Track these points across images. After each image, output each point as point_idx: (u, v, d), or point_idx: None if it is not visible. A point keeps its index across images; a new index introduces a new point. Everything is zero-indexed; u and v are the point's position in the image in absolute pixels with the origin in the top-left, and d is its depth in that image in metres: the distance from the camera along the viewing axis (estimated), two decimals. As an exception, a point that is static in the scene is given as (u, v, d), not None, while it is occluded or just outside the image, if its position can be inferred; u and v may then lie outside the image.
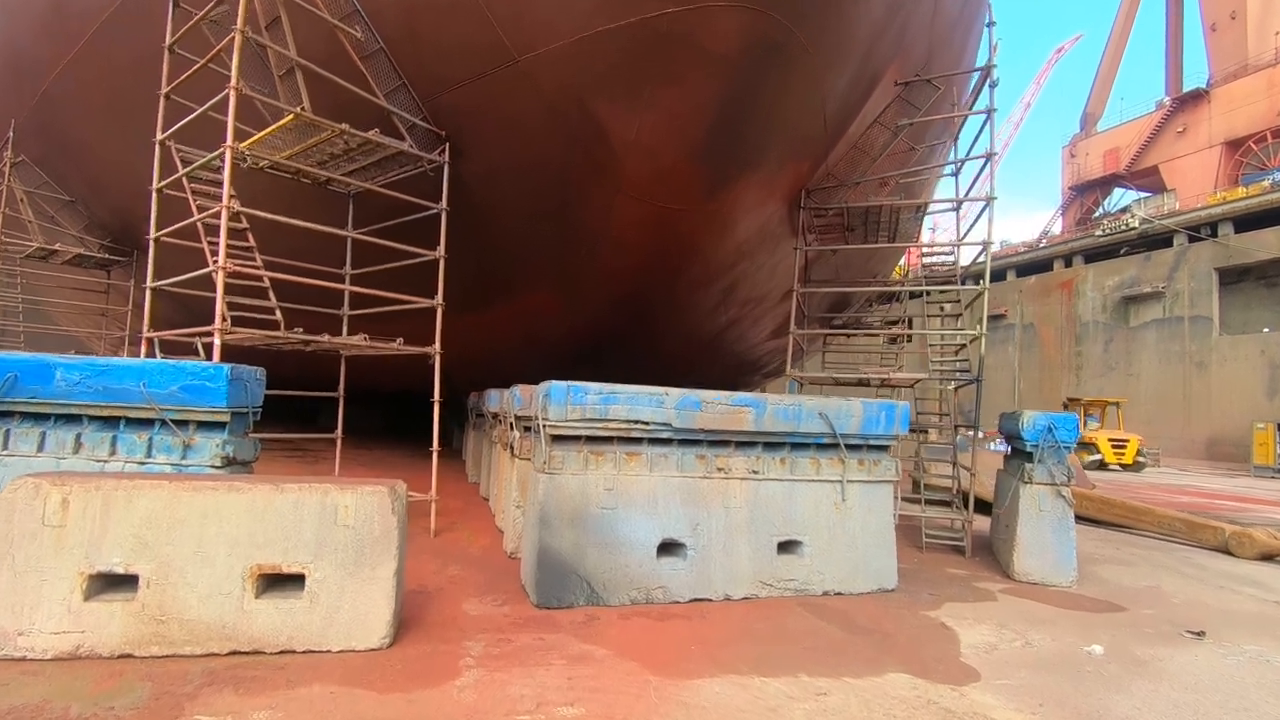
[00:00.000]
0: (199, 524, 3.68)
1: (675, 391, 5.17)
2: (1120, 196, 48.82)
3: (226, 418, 4.57)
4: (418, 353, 7.14)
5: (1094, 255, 36.89)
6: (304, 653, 3.68)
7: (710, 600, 5.12)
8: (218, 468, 4.53)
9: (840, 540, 5.57)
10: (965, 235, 8.42)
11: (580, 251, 8.30)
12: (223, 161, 5.81)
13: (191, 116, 6.47)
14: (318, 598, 3.76)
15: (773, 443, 5.49)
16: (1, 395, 4.47)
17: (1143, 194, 44.66)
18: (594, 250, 8.21)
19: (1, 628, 3.46)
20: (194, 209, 6.42)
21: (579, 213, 7.75)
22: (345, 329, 8.10)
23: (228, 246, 6.83)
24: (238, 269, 5.94)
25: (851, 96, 7.82)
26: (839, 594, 5.48)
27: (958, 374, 8.41)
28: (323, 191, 8.03)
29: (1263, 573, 7.20)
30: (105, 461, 4.56)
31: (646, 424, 5.07)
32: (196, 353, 6.56)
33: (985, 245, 7.55)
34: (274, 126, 6.33)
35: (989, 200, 7.49)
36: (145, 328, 7.10)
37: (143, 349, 7.08)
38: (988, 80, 7.74)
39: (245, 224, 6.95)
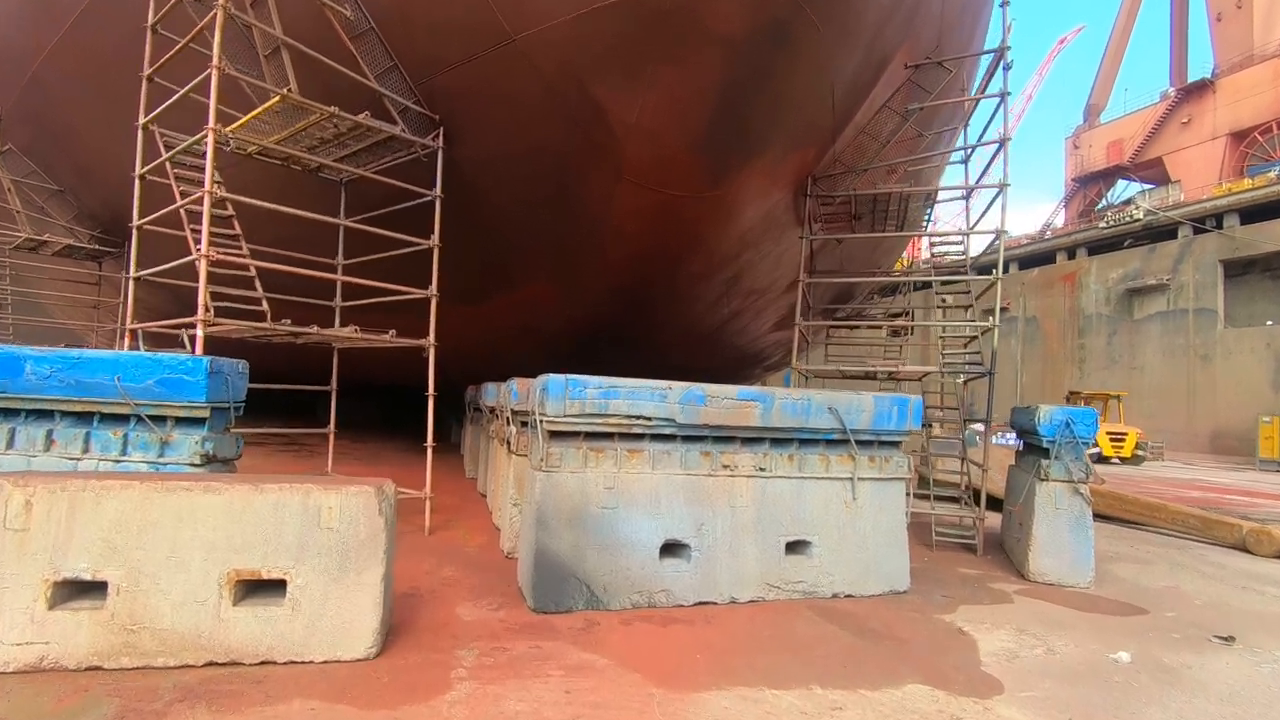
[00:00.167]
0: (172, 527, 3.45)
1: (679, 385, 4.93)
2: (1124, 188, 48.49)
3: (206, 413, 4.33)
4: (411, 345, 6.90)
5: (1097, 247, 36.55)
6: (285, 664, 3.46)
7: (715, 603, 4.90)
8: (197, 466, 4.29)
9: (850, 540, 5.34)
10: (976, 224, 8.16)
11: (580, 240, 8.04)
12: (205, 145, 5.54)
13: (174, 98, 6.21)
14: (300, 605, 3.54)
15: (780, 439, 5.26)
16: (-32, 389, 4.23)
17: (1146, 186, 44.37)
18: (594, 239, 7.95)
19: (-41, 639, 3.23)
20: (177, 195, 6.16)
21: (578, 200, 7.49)
22: (338, 321, 7.87)
23: (213, 234, 6.62)
24: (221, 258, 5.69)
25: (860, 79, 7.54)
26: (849, 596, 5.26)
27: (967, 367, 8.17)
28: (315, 181, 7.77)
29: (1283, 572, 6.99)
30: (78, 459, 4.33)
31: (649, 419, 4.84)
32: (183, 345, 6.33)
33: (999, 233, 7.29)
34: (260, 109, 6.07)
35: (1002, 187, 7.23)
36: (129, 319, 6.87)
37: (125, 341, 6.85)
38: (1001, 62, 7.47)
39: (230, 211, 6.71)
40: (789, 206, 8.84)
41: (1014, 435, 7.57)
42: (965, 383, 8.65)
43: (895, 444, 5.62)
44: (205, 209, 5.38)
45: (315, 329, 6.37)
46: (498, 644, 3.94)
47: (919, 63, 7.93)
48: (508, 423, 6.35)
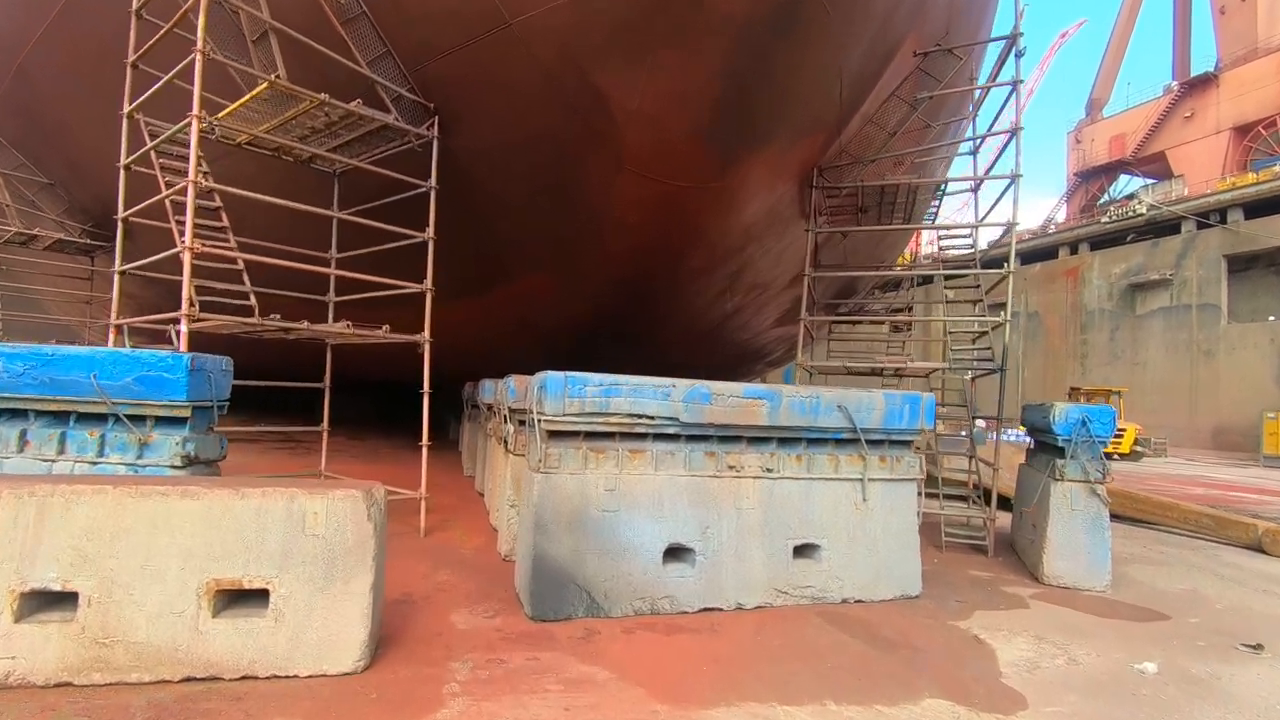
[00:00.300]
0: (147, 534, 3.25)
1: (683, 383, 4.73)
2: (1126, 183, 48.24)
3: (187, 412, 4.13)
4: (406, 341, 6.69)
5: (1100, 242, 36.36)
6: (267, 679, 3.26)
7: (721, 610, 4.70)
8: (178, 468, 4.09)
9: (861, 543, 5.15)
10: (986, 216, 7.94)
11: (579, 233, 7.82)
12: (189, 133, 5.33)
13: (159, 85, 5.99)
14: (283, 616, 3.34)
15: (788, 438, 5.06)
16: (-64, 388, 4.03)
17: (1148, 180, 44.09)
18: (593, 231, 7.73)
19: (-82, 654, 3.03)
20: (162, 186, 5.94)
21: (578, 191, 7.26)
22: (331, 315, 7.66)
23: (201, 227, 6.41)
24: (207, 250, 5.47)
25: (869, 66, 7.31)
26: (859, 601, 5.06)
27: (976, 363, 7.98)
28: (308, 175, 7.57)
29: (1302, 573, 6.81)
30: (53, 461, 4.13)
31: (652, 418, 4.63)
32: (170, 341, 6.12)
33: (1010, 225, 7.08)
34: (247, 96, 5.86)
35: (1014, 177, 7.01)
36: (115, 314, 6.67)
37: (111, 337, 6.64)
38: (1013, 49, 7.24)
39: (218, 203, 6.50)
40: (794, 199, 8.62)
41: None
42: (973, 379, 8.44)
43: (907, 443, 5.42)
44: (189, 199, 5.17)
45: (306, 324, 6.16)
46: (493, 655, 3.74)
47: (928, 50, 7.71)
48: (505, 421, 6.15)
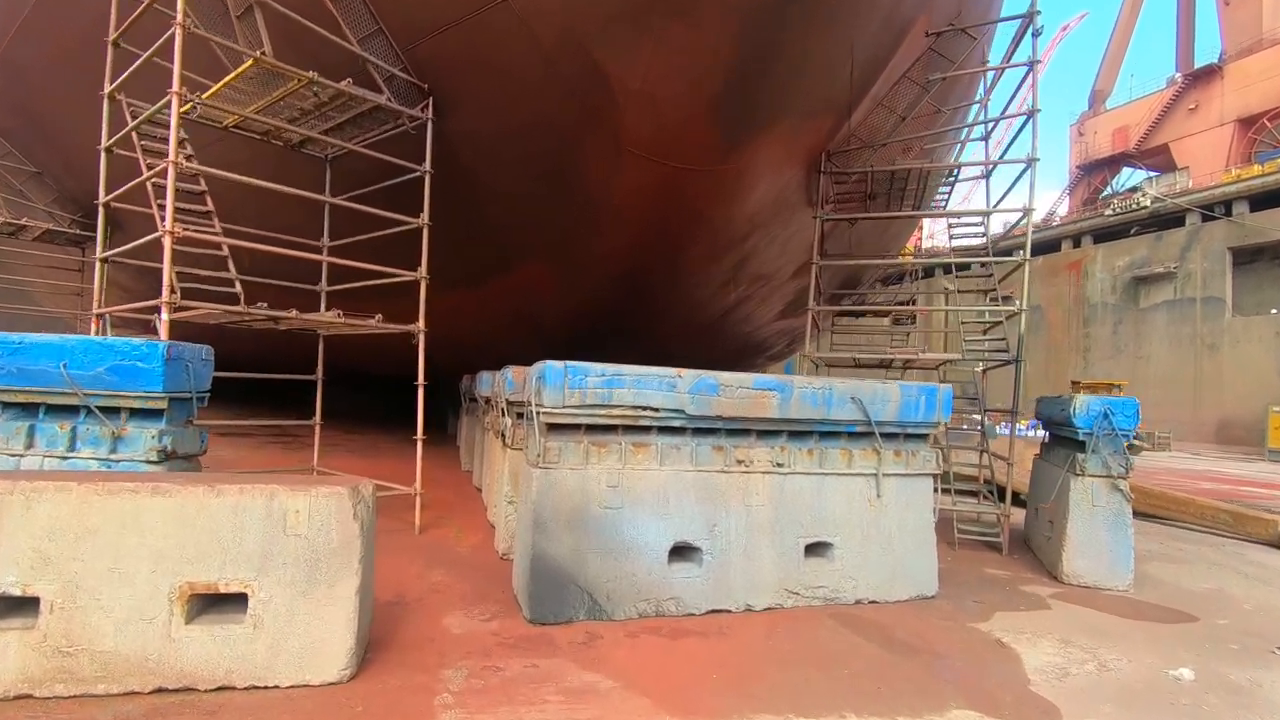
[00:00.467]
0: (115, 534, 3.02)
1: (689, 373, 4.48)
2: (1129, 176, 47.87)
3: (163, 404, 3.88)
4: (399, 330, 6.45)
5: (1103, 235, 36.03)
6: (246, 689, 3.03)
7: (729, 612, 4.47)
8: (154, 463, 3.85)
9: (875, 541, 4.92)
10: (999, 202, 7.68)
11: (578, 221, 7.55)
12: (169, 112, 5.06)
13: (138, 62, 5.71)
14: (263, 622, 3.10)
15: (799, 431, 4.82)
16: (-104, 378, 3.79)
17: (1152, 173, 43.78)
18: (593, 218, 7.46)
19: None
20: (143, 168, 5.68)
21: (577, 176, 6.99)
22: (323, 305, 7.41)
23: (184, 211, 6.15)
24: (190, 235, 5.22)
25: (881, 45, 7.03)
26: (873, 602, 4.84)
27: (987, 354, 7.73)
28: (300, 163, 7.31)
29: (1326, 571, 6.58)
30: (21, 456, 3.88)
31: (656, 411, 4.39)
32: (156, 332, 5.87)
33: (1027, 211, 6.82)
34: (233, 74, 5.60)
35: (1031, 161, 6.75)
36: (97, 304, 6.42)
37: (93, 327, 6.39)
38: (1030, 28, 6.97)
39: (203, 187, 6.24)
40: (800, 185, 8.36)
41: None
42: (984, 372, 8.20)
43: (922, 437, 5.19)
44: (169, 181, 4.90)
45: (294, 313, 5.90)
46: (489, 663, 3.51)
47: (941, 30, 7.43)
48: (503, 414, 5.91)
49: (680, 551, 4.48)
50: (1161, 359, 32.10)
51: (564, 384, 4.19)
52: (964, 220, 8.55)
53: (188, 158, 6.03)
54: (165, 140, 6.15)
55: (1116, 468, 5.61)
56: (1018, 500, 7.24)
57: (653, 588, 4.34)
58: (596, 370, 4.27)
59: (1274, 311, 28.96)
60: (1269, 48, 37.17)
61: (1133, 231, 34.45)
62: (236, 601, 3.14)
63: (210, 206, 6.09)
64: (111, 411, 3.88)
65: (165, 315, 4.87)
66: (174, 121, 4.99)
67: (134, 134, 5.95)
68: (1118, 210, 36.00)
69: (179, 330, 4.99)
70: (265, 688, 3.05)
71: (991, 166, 7.88)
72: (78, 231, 12.40)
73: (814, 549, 4.80)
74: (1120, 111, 47.22)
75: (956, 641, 4.21)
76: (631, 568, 4.31)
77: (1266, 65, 37.02)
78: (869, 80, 7.32)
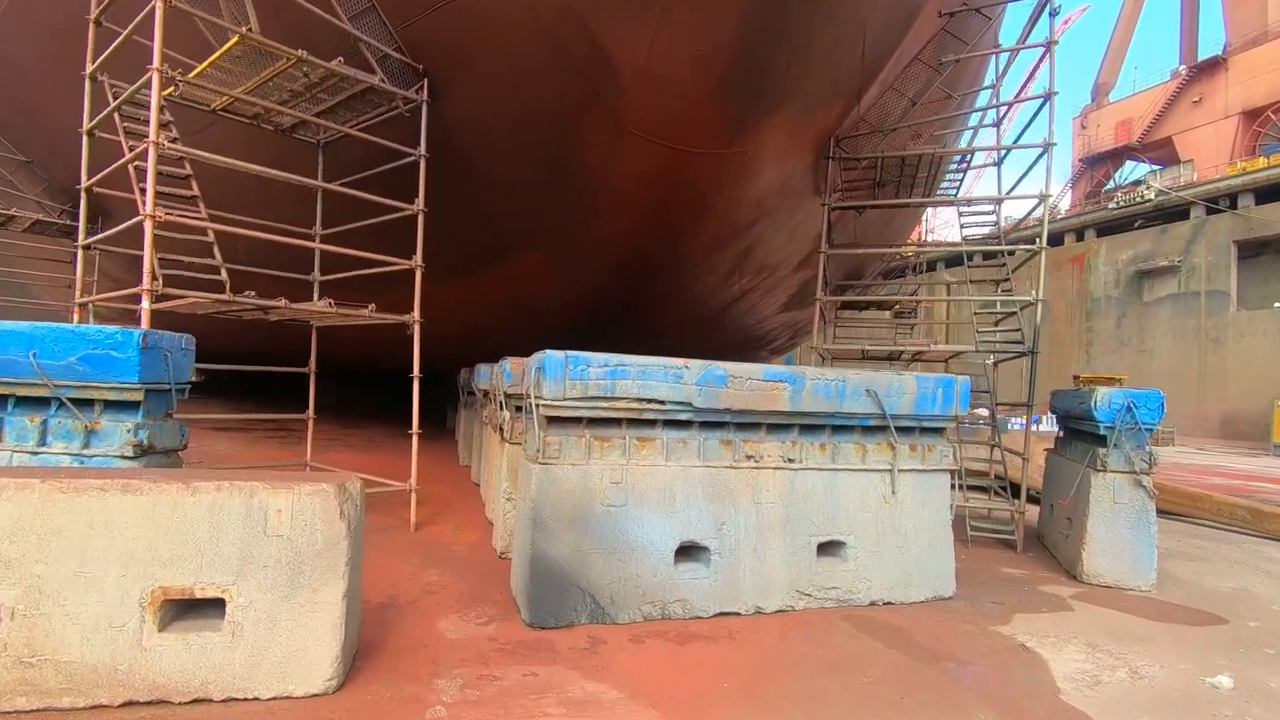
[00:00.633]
0: (82, 535, 2.80)
1: (696, 364, 4.26)
2: (1132, 169, 47.58)
3: (139, 396, 3.66)
4: (393, 321, 6.22)
5: (1106, 229, 35.75)
6: (223, 702, 2.82)
7: (739, 614, 4.26)
8: (129, 458, 3.63)
9: (890, 540, 4.70)
10: (1014, 188, 7.44)
11: (577, 207, 7.31)
12: (149, 90, 4.82)
13: (119, 40, 5.47)
14: (242, 630, 2.89)
15: (811, 425, 4.60)
16: None
17: (1155, 166, 43.45)
18: (593, 203, 7.21)
19: None
20: (125, 150, 5.45)
21: (577, 158, 6.74)
22: (316, 295, 7.18)
23: (168, 195, 5.93)
24: (172, 219, 4.99)
25: (893, 25, 6.79)
26: (889, 604, 4.63)
27: (999, 346, 7.51)
28: (292, 149, 7.06)
29: (1351, 569, 6.37)
30: (-11, 450, 3.66)
31: (662, 403, 4.17)
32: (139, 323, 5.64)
33: (1043, 197, 6.59)
34: (218, 53, 5.35)
35: (1048, 146, 6.52)
36: (79, 293, 6.20)
37: (75, 316, 6.17)
38: (1047, 7, 6.73)
39: (188, 170, 6.01)
40: (807, 170, 8.11)
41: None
42: (995, 365, 7.98)
43: (939, 431, 4.97)
44: (150, 162, 4.67)
45: (284, 302, 5.67)
46: (485, 671, 3.30)
47: (954, 10, 7.18)
48: (501, 407, 5.69)
49: (687, 551, 4.27)
50: (1165, 353, 31.87)
51: (564, 375, 3.97)
52: (975, 208, 8.30)
53: (172, 140, 5.80)
54: (148, 122, 5.94)
55: (1139, 463, 5.40)
56: (1029, 496, 7.03)
57: (658, 589, 4.13)
58: (599, 360, 4.05)
59: (1279, 305, 28.76)
60: (1274, 39, 36.83)
61: (1136, 225, 34.17)
62: (213, 607, 2.92)
63: (195, 191, 5.86)
64: (84, 404, 3.66)
65: (146, 303, 4.63)
66: (154, 101, 4.75)
67: (116, 116, 5.72)
68: (1121, 203, 35.73)
69: (167, 322, 4.76)
70: (244, 700, 2.84)
71: (1005, 152, 7.65)
72: (68, 222, 12.14)
73: (827, 548, 4.59)
74: (1123, 104, 46.88)
75: (978, 646, 4.00)
76: (636, 568, 4.09)
77: (1271, 57, 36.66)
78: (879, 63, 7.07)
